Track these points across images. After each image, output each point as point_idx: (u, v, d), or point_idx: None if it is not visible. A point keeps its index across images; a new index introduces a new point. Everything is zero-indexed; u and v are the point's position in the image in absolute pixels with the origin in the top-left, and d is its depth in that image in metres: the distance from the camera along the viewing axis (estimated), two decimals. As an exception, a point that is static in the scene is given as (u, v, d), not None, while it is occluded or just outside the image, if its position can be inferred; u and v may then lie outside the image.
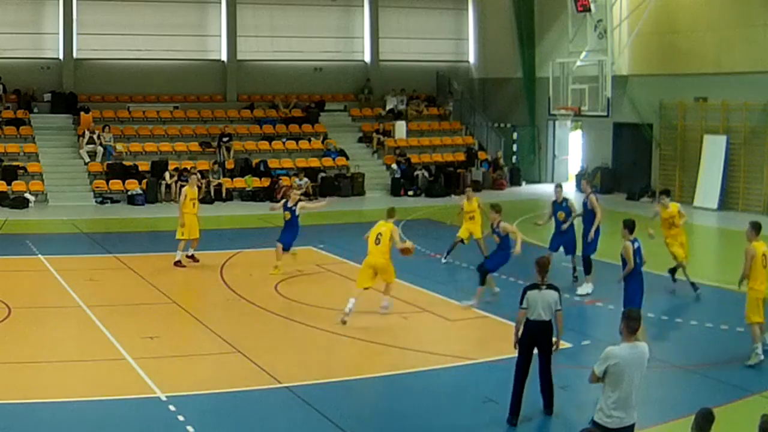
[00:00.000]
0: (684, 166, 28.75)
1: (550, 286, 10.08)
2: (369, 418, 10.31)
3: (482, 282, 15.24)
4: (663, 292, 16.12)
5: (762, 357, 12.13)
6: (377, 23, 35.98)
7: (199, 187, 28.16)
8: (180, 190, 28.46)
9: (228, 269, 18.29)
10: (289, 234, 17.74)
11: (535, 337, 10.05)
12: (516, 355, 10.21)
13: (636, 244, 12.66)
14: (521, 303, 10.04)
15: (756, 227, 12.54)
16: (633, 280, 12.59)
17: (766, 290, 12.36)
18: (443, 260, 19.09)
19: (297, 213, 17.67)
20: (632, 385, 7.70)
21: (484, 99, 37.46)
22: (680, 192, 28.74)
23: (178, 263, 18.35)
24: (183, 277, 17.95)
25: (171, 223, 25.30)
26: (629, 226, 12.79)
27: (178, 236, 18.48)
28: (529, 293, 10.01)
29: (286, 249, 17.70)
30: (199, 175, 20.93)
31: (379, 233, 14.55)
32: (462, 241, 18.83)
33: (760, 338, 12.26)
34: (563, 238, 16.99)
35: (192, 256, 18.68)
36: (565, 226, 16.84)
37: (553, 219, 17.21)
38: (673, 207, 16.52)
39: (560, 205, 17.05)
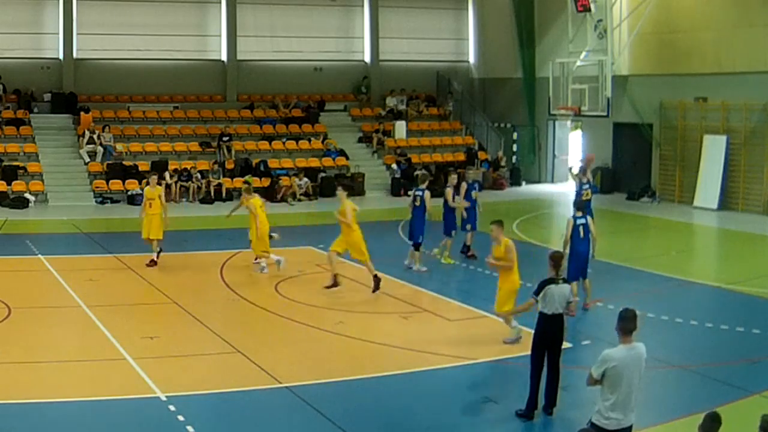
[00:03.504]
0: (684, 166, 28.73)
1: (564, 280, 10.40)
2: (369, 418, 10.30)
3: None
4: (664, 291, 16.13)
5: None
6: (377, 23, 35.95)
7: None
8: (180, 189, 28.79)
9: (228, 269, 18.29)
10: None
11: (551, 331, 10.20)
12: (519, 353, 10.28)
13: (579, 221, 14.48)
14: (537, 293, 10.24)
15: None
16: (570, 254, 14.23)
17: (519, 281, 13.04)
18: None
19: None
20: (631, 386, 7.67)
21: (484, 99, 37.44)
22: (680, 192, 28.77)
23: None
24: (183, 277, 17.94)
25: (171, 223, 25.39)
26: (576, 204, 15.07)
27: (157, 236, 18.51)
28: (548, 288, 10.19)
29: None
30: (157, 177, 20.74)
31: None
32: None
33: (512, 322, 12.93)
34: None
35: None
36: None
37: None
38: None
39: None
